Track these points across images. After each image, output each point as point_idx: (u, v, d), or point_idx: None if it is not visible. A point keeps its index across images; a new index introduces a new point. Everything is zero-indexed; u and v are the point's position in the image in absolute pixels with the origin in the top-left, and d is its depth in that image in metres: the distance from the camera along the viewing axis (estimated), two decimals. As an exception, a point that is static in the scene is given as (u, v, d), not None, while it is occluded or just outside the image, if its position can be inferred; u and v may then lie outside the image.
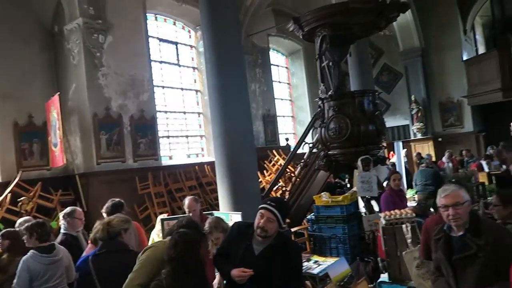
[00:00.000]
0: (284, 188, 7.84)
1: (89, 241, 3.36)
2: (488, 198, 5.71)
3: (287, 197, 7.04)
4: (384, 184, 6.19)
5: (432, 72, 13.56)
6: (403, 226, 3.33)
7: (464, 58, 13.04)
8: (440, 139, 13.32)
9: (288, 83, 14.22)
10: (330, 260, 4.06)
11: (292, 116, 14.09)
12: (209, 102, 5.80)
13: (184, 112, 10.15)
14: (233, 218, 4.48)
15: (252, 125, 6.35)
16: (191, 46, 10.62)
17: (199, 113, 10.51)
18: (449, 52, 13.16)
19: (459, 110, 13.11)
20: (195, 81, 10.58)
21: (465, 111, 13.05)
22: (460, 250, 2.34)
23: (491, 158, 8.51)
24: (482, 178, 6.95)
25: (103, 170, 7.28)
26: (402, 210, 3.53)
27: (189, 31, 10.59)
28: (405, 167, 10.54)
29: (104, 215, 3.81)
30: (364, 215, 5.58)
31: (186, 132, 10.08)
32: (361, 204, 5.96)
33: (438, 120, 13.53)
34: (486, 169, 7.83)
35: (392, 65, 14.29)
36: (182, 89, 10.15)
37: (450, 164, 10.27)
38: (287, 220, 5.96)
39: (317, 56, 6.11)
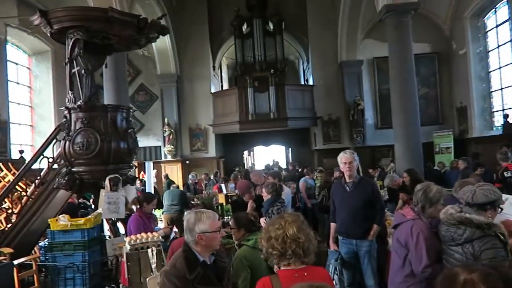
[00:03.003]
0: (11, 211, 6.43)
1: None
2: (225, 217, 6.34)
3: (13, 221, 5.78)
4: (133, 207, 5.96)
5: (185, 99, 14.52)
6: (149, 250, 3.17)
7: (212, 90, 14.60)
8: (187, 162, 14.25)
9: (29, 86, 12.18)
10: (63, 296, 3.45)
11: (31, 125, 12.08)
12: None
13: None
14: None
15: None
16: None
17: None
18: (200, 83, 14.47)
19: (205, 137, 14.45)
20: None
21: (210, 137, 14.49)
22: (221, 274, 2.34)
23: (228, 181, 9.64)
24: (221, 199, 7.69)
25: None
26: (148, 234, 3.37)
27: None
28: (154, 187, 10.66)
29: None
30: (108, 238, 5.17)
31: None
32: (105, 227, 5.51)
33: (187, 144, 14.48)
34: (224, 191, 8.77)
35: (149, 86, 14.50)
36: None
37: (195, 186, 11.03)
38: (10, 250, 4.85)
39: (67, 60, 5.38)
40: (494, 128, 11.76)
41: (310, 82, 14.90)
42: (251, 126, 13.52)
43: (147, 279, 3.06)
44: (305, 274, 1.98)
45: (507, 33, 10.72)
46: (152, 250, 3.15)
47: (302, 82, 17.00)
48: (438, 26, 13.52)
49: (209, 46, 14.66)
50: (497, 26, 11.43)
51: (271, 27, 14.64)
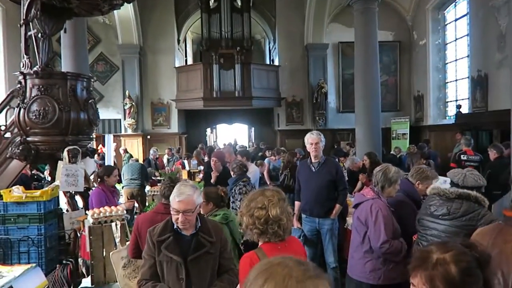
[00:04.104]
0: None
1: None
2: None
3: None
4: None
5: (147, 72, 14.06)
6: (113, 224, 3.10)
7: (176, 64, 14.22)
8: (149, 137, 13.94)
9: (-24, 48, 11.27)
10: (17, 269, 3.31)
11: (-22, 91, 11.24)
12: None
13: None
14: None
15: None
16: None
17: None
18: (164, 56, 14.04)
19: (168, 112, 14.14)
20: None
21: (172, 113, 14.19)
22: (194, 249, 2.31)
23: (191, 157, 9.56)
24: (184, 175, 7.63)
25: None
26: (112, 207, 3.29)
27: None
28: (114, 161, 10.38)
29: None
30: (65, 212, 5.00)
31: None
32: (63, 200, 5.32)
33: (148, 118, 14.11)
34: (187, 167, 8.69)
35: (109, 56, 13.87)
36: None
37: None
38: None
39: (22, 22, 5.01)
40: (447, 117, 12.40)
41: (276, 63, 14.88)
42: (215, 104, 13.38)
43: (111, 253, 3.01)
44: (286, 245, 2.08)
45: (464, 27, 11.19)
46: (116, 224, 3.08)
47: (268, 62, 16.94)
48: (401, 15, 13.87)
49: (175, 19, 14.17)
50: (456, 19, 11.90)
51: (239, 4, 14.36)
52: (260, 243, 2.10)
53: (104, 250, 3.08)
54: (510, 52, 8.66)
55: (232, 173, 5.05)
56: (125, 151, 11.83)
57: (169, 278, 2.30)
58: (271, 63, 16.14)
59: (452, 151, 9.44)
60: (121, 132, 13.62)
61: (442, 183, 5.95)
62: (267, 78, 13.94)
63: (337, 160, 6.78)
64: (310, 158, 4.39)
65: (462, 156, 7.28)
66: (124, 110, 13.44)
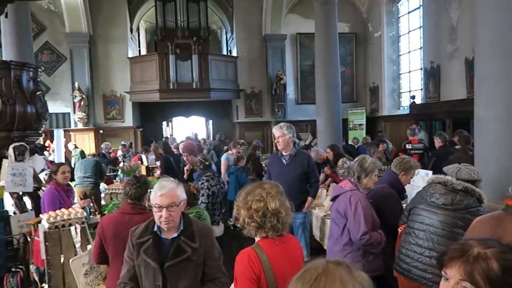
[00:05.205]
0: None
1: None
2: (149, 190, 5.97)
3: None
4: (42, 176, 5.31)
5: (98, 62, 13.28)
6: (72, 228, 2.78)
7: (130, 55, 13.55)
8: (101, 131, 13.22)
9: None
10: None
11: None
12: None
13: None
14: None
15: None
16: None
17: None
18: (116, 46, 13.31)
19: (121, 104, 13.47)
20: None
21: (126, 105, 13.54)
22: (173, 255, 2.09)
23: (149, 152, 9.14)
24: (143, 170, 7.26)
25: None
26: (70, 210, 2.97)
27: None
28: (66, 157, 9.75)
29: None
30: (13, 215, 4.54)
31: None
32: (9, 201, 4.83)
33: (100, 111, 13.37)
34: (145, 162, 8.30)
35: (56, 45, 12.95)
36: None
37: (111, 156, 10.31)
38: None
39: (-44, 3, 4.46)
40: (401, 108, 12.82)
41: (234, 54, 14.63)
42: (172, 96, 12.93)
43: (70, 260, 2.70)
44: (284, 241, 1.98)
45: (417, 20, 11.56)
46: (76, 228, 2.77)
47: (225, 53, 16.64)
48: (357, 8, 14.11)
49: (127, 6, 13.48)
50: (409, 12, 12.27)
51: (195, -8, 13.93)
52: (257, 239, 1.97)
53: (62, 257, 2.76)
54: (461, 44, 9.06)
55: (196, 168, 4.81)
56: (75, 146, 11.14)
57: (146, 284, 2.14)
58: (229, 54, 15.86)
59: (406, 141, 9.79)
60: (70, 127, 12.80)
61: (424, 176, 6.04)
62: (225, 69, 13.67)
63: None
64: (281, 151, 4.27)
65: (407, 145, 7.78)
66: (74, 103, 12.62)
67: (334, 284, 0.95)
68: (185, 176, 5.02)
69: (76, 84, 12.49)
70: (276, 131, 4.22)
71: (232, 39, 15.02)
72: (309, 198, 4.18)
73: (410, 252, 2.79)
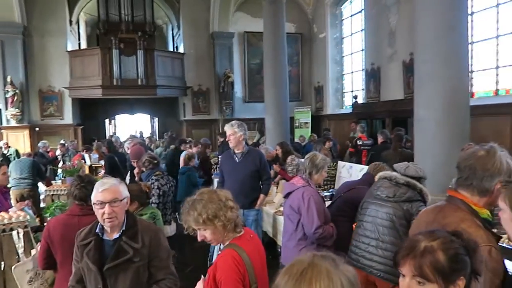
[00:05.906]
0: None
1: None
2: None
3: None
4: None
5: (34, 55, 12.39)
6: (14, 233, 2.60)
7: (69, 48, 12.80)
8: (37, 129, 12.37)
9: None
10: None
11: None
12: None
13: None
14: None
15: None
16: None
17: None
18: (54, 39, 12.50)
19: (60, 101, 12.69)
20: None
21: (65, 102, 12.79)
22: (113, 257, 2.01)
23: (91, 150, 8.73)
24: (86, 170, 6.92)
25: None
26: (11, 213, 2.77)
27: None
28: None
29: None
30: None
31: None
32: None
33: (36, 108, 12.51)
34: (88, 161, 7.92)
35: (-17, 35, 11.90)
36: None
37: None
38: None
39: None
40: (344, 107, 13.36)
41: (180, 50, 14.37)
42: (116, 92, 12.44)
43: (13, 267, 2.52)
44: (251, 236, 2.01)
45: (359, 23, 12.11)
46: (18, 232, 2.58)
47: (171, 49, 16.29)
48: (303, 8, 14.46)
49: (65, -4, 12.74)
50: (351, 15, 12.81)
51: (140, -15, 13.47)
52: (228, 241, 1.94)
53: (3, 263, 2.56)
54: (399, 48, 9.63)
55: (143, 168, 4.68)
56: (7, 145, 10.35)
57: (89, 286, 2.09)
58: (175, 50, 15.55)
59: (348, 138, 10.25)
60: (2, 124, 11.86)
61: (348, 168, 6.36)
62: (172, 66, 13.41)
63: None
64: (233, 149, 4.28)
65: (358, 141, 8.31)
66: (6, 98, 11.68)
67: (320, 277, 0.96)
68: (136, 178, 4.86)
69: (9, 78, 11.57)
70: (227, 129, 4.23)
71: (179, 35, 14.75)
72: (262, 195, 4.24)
73: (359, 243, 2.93)
